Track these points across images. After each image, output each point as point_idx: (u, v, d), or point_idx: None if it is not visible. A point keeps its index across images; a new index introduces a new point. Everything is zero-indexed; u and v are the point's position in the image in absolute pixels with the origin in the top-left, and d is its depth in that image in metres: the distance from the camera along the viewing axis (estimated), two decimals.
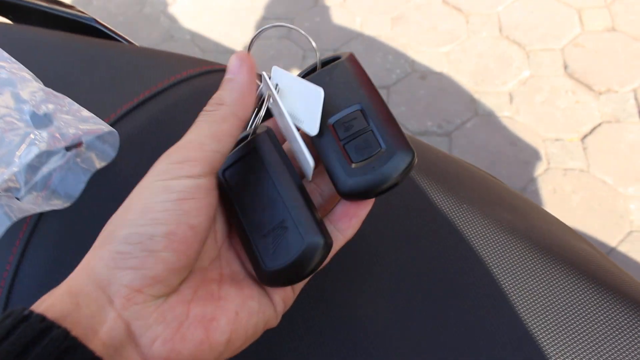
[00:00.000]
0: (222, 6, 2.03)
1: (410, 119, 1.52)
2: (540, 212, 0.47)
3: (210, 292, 0.28)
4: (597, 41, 1.60)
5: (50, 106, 0.42)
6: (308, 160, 0.29)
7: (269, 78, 0.32)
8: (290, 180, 0.29)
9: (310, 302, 0.35)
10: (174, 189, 0.26)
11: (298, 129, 0.30)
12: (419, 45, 1.71)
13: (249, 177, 0.30)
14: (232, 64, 0.29)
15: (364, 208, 0.31)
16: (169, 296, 0.27)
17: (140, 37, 1.96)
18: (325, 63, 0.33)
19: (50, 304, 0.24)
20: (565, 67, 1.55)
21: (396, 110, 1.54)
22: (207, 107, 0.29)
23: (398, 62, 1.67)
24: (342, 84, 0.31)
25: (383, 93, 1.59)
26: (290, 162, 0.30)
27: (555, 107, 1.47)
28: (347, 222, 0.30)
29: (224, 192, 0.30)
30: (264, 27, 0.31)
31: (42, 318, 0.23)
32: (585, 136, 1.40)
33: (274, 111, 0.32)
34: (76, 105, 0.43)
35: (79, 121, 0.42)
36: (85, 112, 0.43)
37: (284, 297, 0.30)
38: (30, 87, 0.44)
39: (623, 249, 1.20)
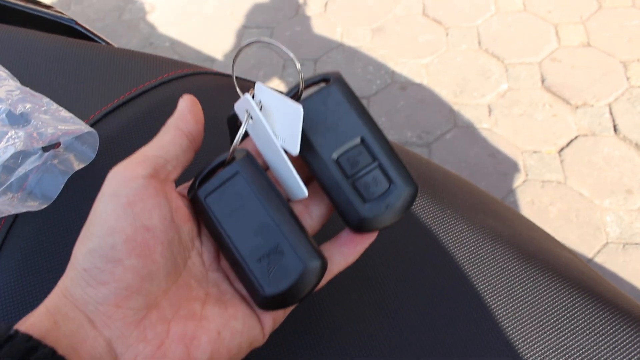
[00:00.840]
0: (203, 14, 2.02)
1: (390, 129, 1.52)
2: (522, 219, 0.47)
3: (192, 312, 0.28)
4: (573, 56, 1.63)
5: (28, 105, 0.41)
6: (303, 189, 0.30)
7: (252, 97, 0.31)
8: (280, 204, 0.29)
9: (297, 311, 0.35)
10: (122, 194, 0.27)
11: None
12: (399, 57, 1.72)
13: (235, 202, 0.30)
14: (178, 102, 0.32)
15: (370, 238, 0.32)
16: (150, 311, 0.27)
17: (119, 43, 1.94)
18: (311, 82, 0.33)
19: (31, 324, 0.25)
20: (543, 80, 1.58)
21: (376, 121, 1.54)
22: None
23: (378, 73, 1.68)
24: (338, 112, 0.31)
25: (363, 103, 1.60)
26: (275, 186, 0.30)
27: (533, 119, 1.49)
28: (352, 249, 0.31)
29: (207, 217, 0.30)
30: (248, 42, 0.30)
31: (28, 337, 0.24)
32: (562, 149, 1.42)
33: (254, 133, 0.32)
34: (55, 105, 0.42)
35: (58, 121, 0.41)
36: (64, 112, 0.42)
37: (275, 316, 0.31)
38: (7, 85, 0.42)
39: (599, 260, 1.22)
